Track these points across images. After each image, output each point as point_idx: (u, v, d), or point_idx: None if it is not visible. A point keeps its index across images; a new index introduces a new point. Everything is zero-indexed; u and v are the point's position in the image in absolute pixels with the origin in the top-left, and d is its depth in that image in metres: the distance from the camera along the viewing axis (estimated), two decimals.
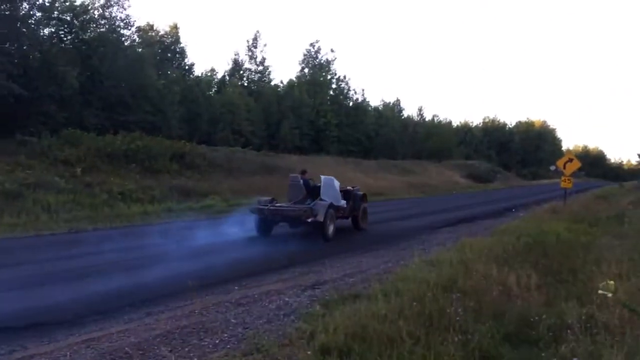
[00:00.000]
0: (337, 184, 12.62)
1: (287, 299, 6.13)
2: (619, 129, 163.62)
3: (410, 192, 33.40)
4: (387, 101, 58.42)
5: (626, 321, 3.54)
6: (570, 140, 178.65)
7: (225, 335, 4.74)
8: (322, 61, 47.80)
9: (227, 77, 43.25)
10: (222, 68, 56.99)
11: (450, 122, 68.33)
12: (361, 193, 13.55)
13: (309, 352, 3.85)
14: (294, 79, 46.99)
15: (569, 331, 3.77)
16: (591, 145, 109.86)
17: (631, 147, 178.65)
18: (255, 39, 43.91)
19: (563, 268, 6.45)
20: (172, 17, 54.86)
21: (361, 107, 50.72)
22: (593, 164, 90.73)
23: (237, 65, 43.85)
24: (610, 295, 3.22)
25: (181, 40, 37.74)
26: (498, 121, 78.95)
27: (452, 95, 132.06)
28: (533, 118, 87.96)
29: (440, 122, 65.32)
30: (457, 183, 46.62)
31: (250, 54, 43.86)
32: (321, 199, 11.67)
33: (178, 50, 37.50)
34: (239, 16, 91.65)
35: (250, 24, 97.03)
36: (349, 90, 50.05)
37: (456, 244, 9.54)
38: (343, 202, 12.57)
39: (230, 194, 21.66)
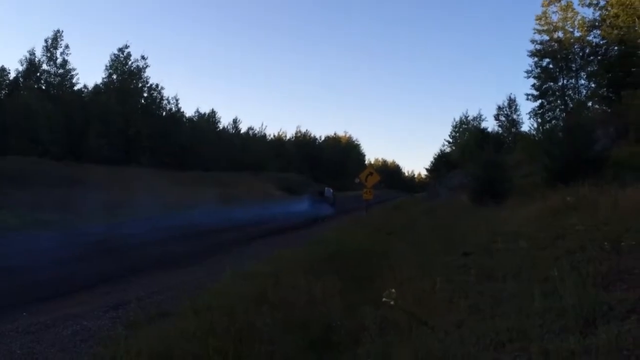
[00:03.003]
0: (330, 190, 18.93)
1: (85, 323, 5.59)
2: (411, 145, 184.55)
3: (226, 206, 33.22)
4: (202, 112, 57.56)
5: (412, 320, 3.94)
6: (372, 153, 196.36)
7: None
8: (132, 68, 45.24)
9: (21, 79, 38.42)
10: (13, 67, 50.38)
11: (265, 135, 69.85)
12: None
13: None
14: (101, 85, 43.68)
15: (365, 333, 4.07)
16: (389, 159, 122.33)
17: (421, 162, 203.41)
18: (55, 39, 39.81)
19: (363, 274, 6.98)
20: None
21: (175, 117, 49.17)
22: (391, 176, 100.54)
23: (32, 66, 39.19)
24: (392, 302, 3.54)
25: None
26: (309, 135, 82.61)
27: (265, 108, 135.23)
28: (340, 133, 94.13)
29: (255, 134, 66.39)
30: (273, 195, 47.80)
31: (48, 54, 39.61)
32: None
33: None
34: (35, 12, 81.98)
35: (49, 22, 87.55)
36: (162, 99, 48.16)
37: (270, 255, 9.73)
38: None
39: (25, 209, 19.17)
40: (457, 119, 50.82)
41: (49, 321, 5.74)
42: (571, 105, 31.10)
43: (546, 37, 32.43)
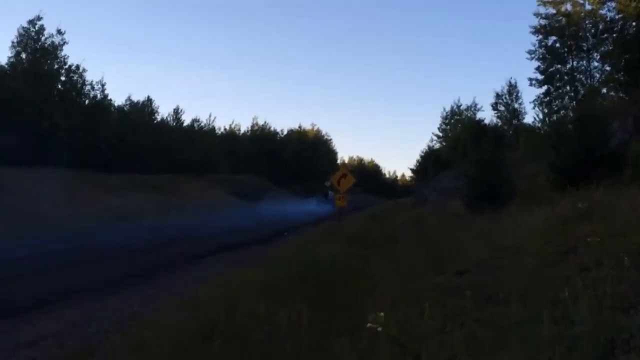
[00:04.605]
0: (332, 194, 21.85)
1: None
2: (393, 142, 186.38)
3: (166, 215, 32.91)
4: (135, 100, 56.75)
5: (398, 357, 3.96)
6: (345, 151, 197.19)
7: None
8: (46, 45, 44.28)
9: None
10: None
11: (213, 129, 69.23)
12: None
13: None
14: (6, 66, 42.63)
15: None
16: (367, 158, 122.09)
17: (404, 161, 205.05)
18: None
19: (337, 299, 6.99)
20: None
21: (101, 106, 48.37)
22: (369, 178, 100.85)
23: None
24: (380, 329, 3.55)
25: None
26: (268, 128, 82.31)
27: (214, 97, 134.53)
28: (306, 126, 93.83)
29: (201, 128, 65.75)
30: (222, 202, 47.56)
31: None
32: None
33: None
34: None
35: None
36: (84, 84, 47.29)
37: (219, 276, 9.66)
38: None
39: None
40: (448, 109, 51.52)
41: None
42: (582, 92, 31.76)
43: (552, 10, 33.12)
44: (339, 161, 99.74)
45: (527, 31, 35.01)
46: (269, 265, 10.51)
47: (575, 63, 33.34)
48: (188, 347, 4.84)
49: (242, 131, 79.00)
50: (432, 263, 8.40)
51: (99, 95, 48.98)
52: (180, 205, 38.15)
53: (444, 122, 51.36)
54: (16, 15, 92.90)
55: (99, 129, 45.64)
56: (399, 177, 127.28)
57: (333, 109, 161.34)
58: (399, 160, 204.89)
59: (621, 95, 28.33)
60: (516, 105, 42.89)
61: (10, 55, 43.55)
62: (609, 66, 30.58)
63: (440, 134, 51.23)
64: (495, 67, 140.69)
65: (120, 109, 53.54)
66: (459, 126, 46.91)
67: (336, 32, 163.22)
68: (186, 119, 63.90)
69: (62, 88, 45.32)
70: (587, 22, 32.00)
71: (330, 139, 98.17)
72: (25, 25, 43.72)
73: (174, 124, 61.37)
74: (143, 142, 50.55)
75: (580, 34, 32.33)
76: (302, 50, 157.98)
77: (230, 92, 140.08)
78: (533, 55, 34.11)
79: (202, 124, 66.02)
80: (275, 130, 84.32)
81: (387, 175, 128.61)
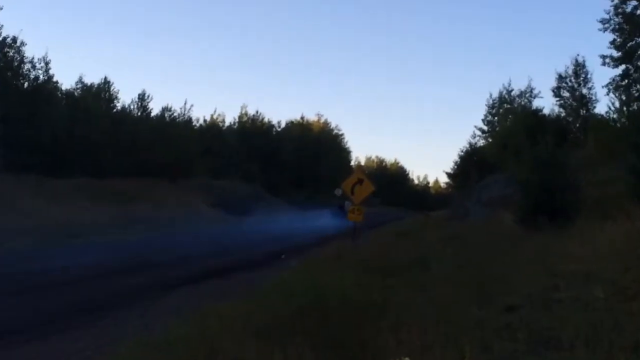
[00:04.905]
0: (348, 204, 21.13)
1: None
2: (423, 139, 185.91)
3: (129, 230, 32.96)
4: (89, 83, 56.78)
5: None
6: (361, 150, 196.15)
7: None
8: None
9: None
10: None
11: (190, 120, 68.99)
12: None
13: None
14: None
15: None
16: (389, 159, 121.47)
17: (438, 162, 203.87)
18: None
19: (350, 340, 6.98)
20: None
21: (44, 90, 48.50)
22: (392, 185, 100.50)
23: None
24: None
25: None
26: (261, 120, 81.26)
27: (191, 80, 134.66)
28: (310, 117, 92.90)
29: (175, 119, 65.68)
30: (201, 214, 47.59)
31: None
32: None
33: None
34: None
35: None
36: (22, 62, 47.48)
37: (198, 311, 9.65)
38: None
39: None
40: (495, 95, 51.37)
41: None
42: None
43: None
44: (353, 163, 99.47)
45: None
46: (262, 297, 10.51)
47: None
48: None
49: (227, 123, 78.69)
50: (474, 294, 8.38)
51: (41, 77, 49.02)
52: (146, 218, 38.19)
53: (490, 113, 51.35)
54: None
55: (42, 119, 45.67)
56: (431, 184, 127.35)
57: (345, 95, 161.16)
58: (431, 162, 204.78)
59: None
60: (584, 91, 42.82)
61: None
62: None
63: (486, 128, 51.27)
64: (558, 42, 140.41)
65: (69, 94, 53.44)
66: (510, 117, 46.83)
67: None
68: (155, 108, 63.67)
69: None
70: None
71: (342, 134, 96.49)
72: None
73: (139, 113, 61.14)
74: (99, 137, 50.42)
75: None
76: (304, 21, 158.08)
77: (211, 73, 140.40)
78: (606, 26, 33.68)
79: (175, 114, 65.47)
80: (270, 123, 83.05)
81: (416, 182, 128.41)
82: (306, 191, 77.08)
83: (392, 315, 7.87)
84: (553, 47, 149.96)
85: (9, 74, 45.80)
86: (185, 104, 69.11)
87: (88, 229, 29.80)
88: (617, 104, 31.70)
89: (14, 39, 46.24)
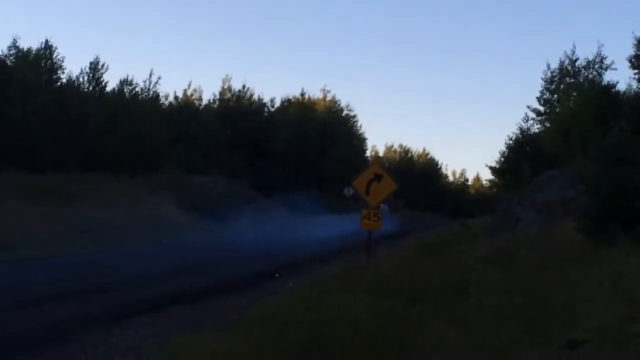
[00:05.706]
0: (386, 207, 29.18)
1: None
2: (458, 123, 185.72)
3: (74, 242, 32.94)
4: (25, 48, 56.55)
5: None
6: (378, 138, 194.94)
7: None
8: None
9: None
10: None
11: (157, 97, 67.93)
12: None
13: None
14: None
15: None
16: (415, 149, 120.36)
17: (478, 155, 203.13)
18: None
19: None
20: None
21: None
22: (419, 183, 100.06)
23: None
24: None
25: None
26: (249, 97, 79.99)
27: (162, 47, 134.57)
28: (314, 94, 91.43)
29: (136, 95, 65.02)
30: (170, 219, 47.42)
31: None
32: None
33: None
34: None
35: None
36: None
37: (163, 348, 9.71)
38: None
39: None
40: (554, 66, 50.94)
41: None
42: None
43: None
44: (368, 154, 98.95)
45: None
46: (248, 329, 10.51)
47: None
48: None
49: (205, 101, 78.03)
50: (526, 327, 8.42)
51: None
52: (97, 224, 38.10)
53: (547, 89, 50.88)
54: None
55: None
56: (470, 182, 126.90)
57: (358, 66, 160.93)
58: (470, 154, 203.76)
59: None
60: None
61: None
62: None
63: (542, 109, 50.85)
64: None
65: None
66: (574, 95, 46.60)
67: None
68: (111, 81, 63.30)
69: None
70: None
71: (354, 117, 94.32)
72: None
73: (90, 87, 60.71)
74: (35, 119, 50.28)
75: None
76: None
77: (185, 36, 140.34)
78: None
79: (137, 89, 64.50)
80: (260, 101, 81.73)
81: (451, 179, 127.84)
82: (307, 190, 76.40)
83: (417, 354, 7.90)
84: (630, 5, 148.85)
85: None
86: (150, 75, 63.99)
87: (17, 240, 29.49)
88: None
89: None
